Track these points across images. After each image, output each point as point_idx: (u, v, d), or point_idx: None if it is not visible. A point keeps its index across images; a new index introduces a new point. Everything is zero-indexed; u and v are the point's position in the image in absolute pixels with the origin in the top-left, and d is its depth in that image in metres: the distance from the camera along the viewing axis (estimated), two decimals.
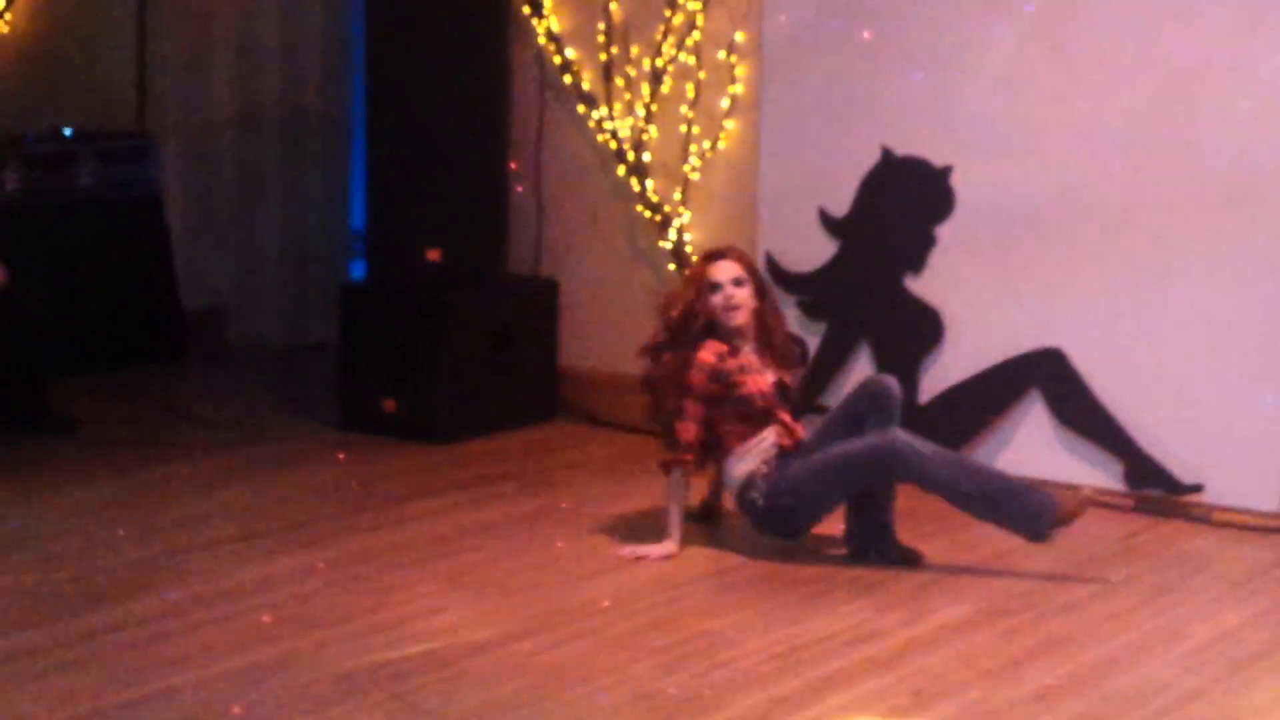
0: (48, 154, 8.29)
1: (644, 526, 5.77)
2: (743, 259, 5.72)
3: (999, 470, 5.61)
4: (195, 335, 8.70)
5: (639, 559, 5.53)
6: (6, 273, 6.92)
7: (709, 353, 5.59)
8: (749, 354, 5.67)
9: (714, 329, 5.64)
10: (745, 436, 5.60)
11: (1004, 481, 5.45)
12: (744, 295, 5.63)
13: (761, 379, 5.62)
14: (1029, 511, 5.38)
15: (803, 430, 5.70)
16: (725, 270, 5.63)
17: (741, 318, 5.63)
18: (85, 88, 8.83)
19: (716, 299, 5.61)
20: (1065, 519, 5.39)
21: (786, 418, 5.65)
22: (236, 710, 4.26)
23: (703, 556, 5.63)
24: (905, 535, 5.57)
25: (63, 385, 7.39)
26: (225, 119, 8.89)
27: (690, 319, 5.62)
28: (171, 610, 4.98)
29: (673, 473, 5.58)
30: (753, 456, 5.60)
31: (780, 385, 5.67)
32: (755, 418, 5.60)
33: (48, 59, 8.85)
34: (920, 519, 5.75)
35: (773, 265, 6.84)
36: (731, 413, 5.59)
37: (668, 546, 5.58)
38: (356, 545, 5.66)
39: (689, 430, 5.57)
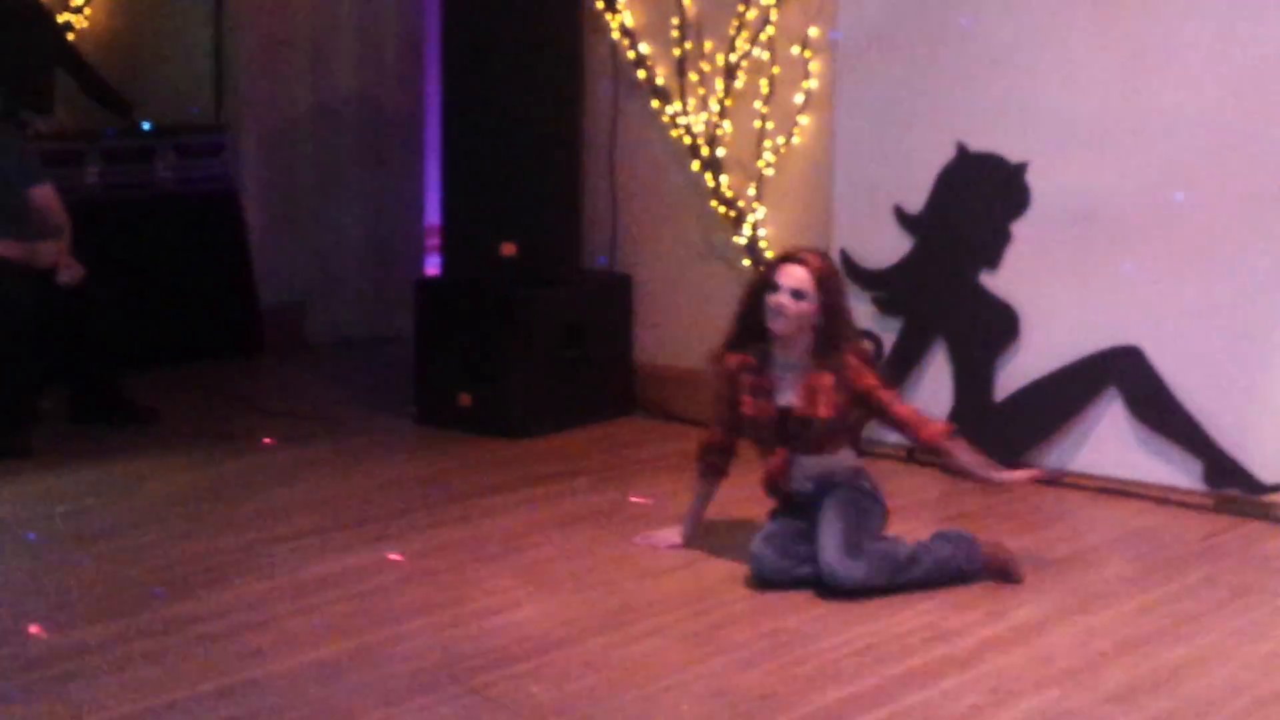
0: (127, 148, 8.37)
1: (716, 523, 5.75)
2: (820, 271, 5.27)
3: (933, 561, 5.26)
4: (273, 330, 8.76)
5: (646, 544, 5.60)
6: (82, 267, 6.99)
7: (735, 358, 5.39)
8: (780, 373, 5.32)
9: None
10: (758, 455, 5.46)
11: (942, 564, 5.24)
12: (796, 308, 5.21)
13: (769, 405, 5.31)
14: (953, 572, 5.24)
15: (784, 473, 5.32)
16: (791, 276, 5.23)
17: (781, 327, 5.23)
18: (163, 82, 8.92)
19: (770, 300, 5.25)
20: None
21: (779, 455, 5.31)
22: (313, 704, 4.28)
23: None
24: (988, 533, 5.49)
25: (141, 378, 7.47)
26: (302, 115, 8.95)
27: (750, 312, 5.37)
28: (248, 603, 5.02)
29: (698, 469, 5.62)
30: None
31: (791, 419, 5.28)
32: (757, 439, 5.43)
33: (126, 53, 8.95)
34: (1002, 515, 5.73)
35: (847, 261, 6.82)
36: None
37: (672, 537, 5.63)
38: (433, 540, 5.68)
39: (705, 432, 5.60)
